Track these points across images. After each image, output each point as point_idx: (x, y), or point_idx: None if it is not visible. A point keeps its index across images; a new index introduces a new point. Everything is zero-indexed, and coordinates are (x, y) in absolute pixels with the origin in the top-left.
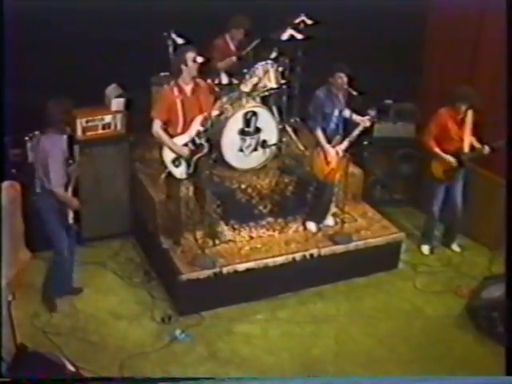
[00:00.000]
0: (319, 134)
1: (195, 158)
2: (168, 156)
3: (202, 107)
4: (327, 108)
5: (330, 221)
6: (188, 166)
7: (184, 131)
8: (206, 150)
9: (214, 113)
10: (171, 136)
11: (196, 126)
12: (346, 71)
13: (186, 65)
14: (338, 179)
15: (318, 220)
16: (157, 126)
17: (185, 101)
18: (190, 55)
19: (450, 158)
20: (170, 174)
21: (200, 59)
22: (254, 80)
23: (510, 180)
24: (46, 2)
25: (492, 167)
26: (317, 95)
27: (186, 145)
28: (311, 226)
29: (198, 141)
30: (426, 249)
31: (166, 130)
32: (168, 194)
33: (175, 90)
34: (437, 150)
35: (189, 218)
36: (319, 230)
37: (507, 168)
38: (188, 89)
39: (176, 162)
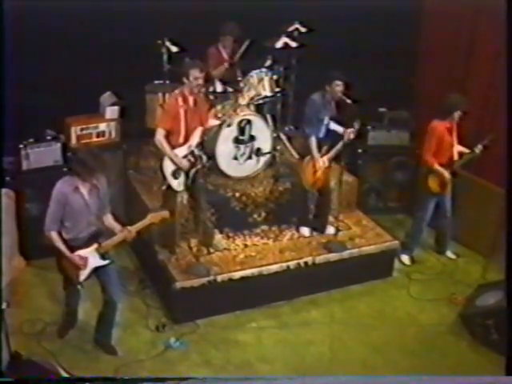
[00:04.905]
0: (313, 141)
1: (194, 169)
2: (168, 168)
3: (202, 119)
4: (321, 114)
5: (330, 229)
6: (187, 177)
7: (185, 142)
8: (204, 161)
9: (215, 123)
10: (172, 146)
11: (196, 138)
12: (343, 79)
13: (188, 79)
14: (323, 188)
15: (309, 225)
16: (160, 135)
17: (188, 111)
18: (193, 73)
19: (446, 173)
20: (169, 187)
21: (201, 81)
22: (252, 93)
23: (509, 187)
24: (38, 3)
25: (485, 175)
26: (313, 99)
27: (185, 156)
28: (304, 230)
29: (197, 152)
30: (406, 259)
31: (167, 140)
32: (164, 205)
33: (180, 100)
34: (437, 166)
35: (183, 227)
36: (312, 234)
37: (507, 175)
38: (191, 99)
39: (176, 174)
